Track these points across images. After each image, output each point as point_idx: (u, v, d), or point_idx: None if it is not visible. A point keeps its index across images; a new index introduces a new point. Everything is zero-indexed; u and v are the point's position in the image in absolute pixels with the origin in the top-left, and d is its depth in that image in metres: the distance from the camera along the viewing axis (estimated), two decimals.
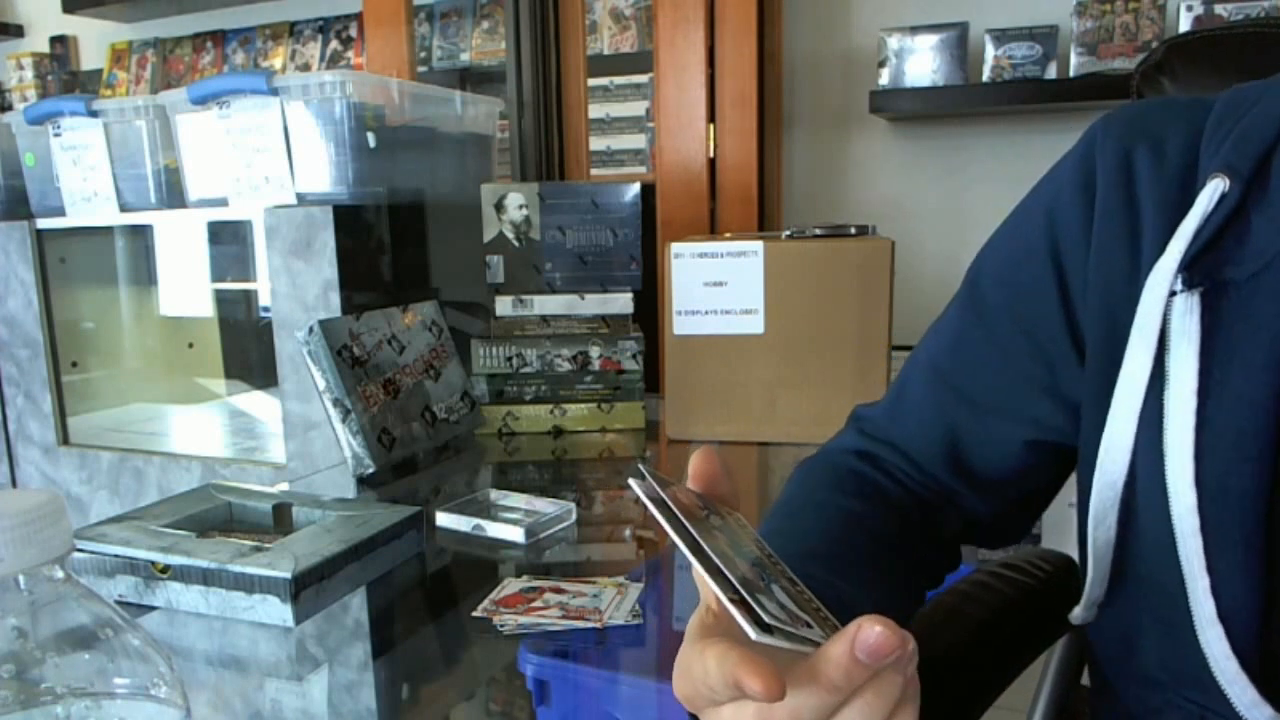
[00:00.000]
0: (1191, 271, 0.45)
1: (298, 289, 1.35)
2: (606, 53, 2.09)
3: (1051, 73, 1.58)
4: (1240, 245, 0.45)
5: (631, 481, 0.37)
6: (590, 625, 0.71)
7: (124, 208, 1.56)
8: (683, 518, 0.35)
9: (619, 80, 2.09)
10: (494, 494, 1.04)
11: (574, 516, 0.98)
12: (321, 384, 1.11)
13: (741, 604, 0.33)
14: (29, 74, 2.75)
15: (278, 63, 2.43)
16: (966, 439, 0.56)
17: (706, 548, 0.34)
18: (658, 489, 0.37)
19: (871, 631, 0.31)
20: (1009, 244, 0.56)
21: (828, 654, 0.32)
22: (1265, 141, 0.46)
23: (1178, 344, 0.45)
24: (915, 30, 1.64)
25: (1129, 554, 0.50)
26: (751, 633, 0.32)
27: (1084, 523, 0.51)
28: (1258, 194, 0.45)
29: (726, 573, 0.34)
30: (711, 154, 1.73)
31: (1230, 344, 0.45)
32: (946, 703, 0.61)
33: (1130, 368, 0.47)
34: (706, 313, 1.25)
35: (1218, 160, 0.46)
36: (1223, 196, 0.45)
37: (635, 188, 1.35)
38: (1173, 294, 0.46)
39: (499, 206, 1.35)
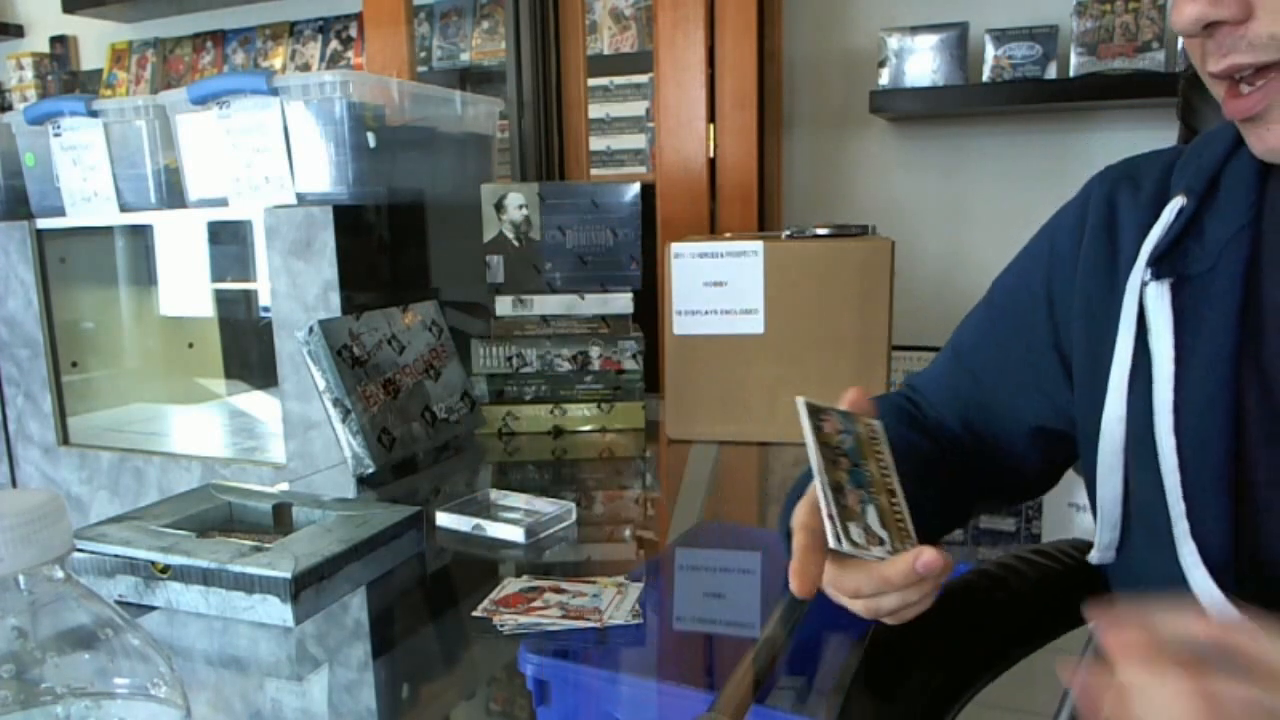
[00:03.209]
0: (1160, 266, 0.57)
1: (298, 289, 1.35)
2: (606, 53, 2.09)
3: (1051, 73, 1.58)
4: (1197, 245, 0.57)
5: (798, 400, 0.58)
6: (590, 625, 0.71)
7: (124, 208, 1.56)
8: (818, 447, 0.55)
9: (619, 80, 2.09)
10: (494, 494, 1.04)
11: (574, 516, 0.98)
12: (321, 384, 1.11)
13: (831, 520, 0.53)
14: (29, 74, 2.75)
15: (278, 63, 2.44)
16: (976, 412, 0.71)
17: (824, 474, 0.54)
18: (809, 418, 0.57)
19: (929, 553, 0.52)
20: (1020, 264, 0.71)
21: (896, 564, 0.53)
22: (1213, 166, 0.59)
23: (1155, 325, 0.57)
24: (915, 30, 1.64)
25: (1132, 501, 0.60)
26: (830, 543, 0.52)
27: (1091, 483, 0.62)
28: (1210, 204, 0.58)
29: (831, 497, 0.53)
30: (711, 154, 1.72)
31: (1196, 323, 0.56)
32: (953, 675, 0.68)
33: (1121, 351, 0.59)
34: (706, 313, 1.25)
35: (1179, 185, 0.59)
36: (1181, 210, 0.58)
37: (635, 188, 1.35)
38: (1144, 285, 0.58)
39: (499, 206, 1.35)
